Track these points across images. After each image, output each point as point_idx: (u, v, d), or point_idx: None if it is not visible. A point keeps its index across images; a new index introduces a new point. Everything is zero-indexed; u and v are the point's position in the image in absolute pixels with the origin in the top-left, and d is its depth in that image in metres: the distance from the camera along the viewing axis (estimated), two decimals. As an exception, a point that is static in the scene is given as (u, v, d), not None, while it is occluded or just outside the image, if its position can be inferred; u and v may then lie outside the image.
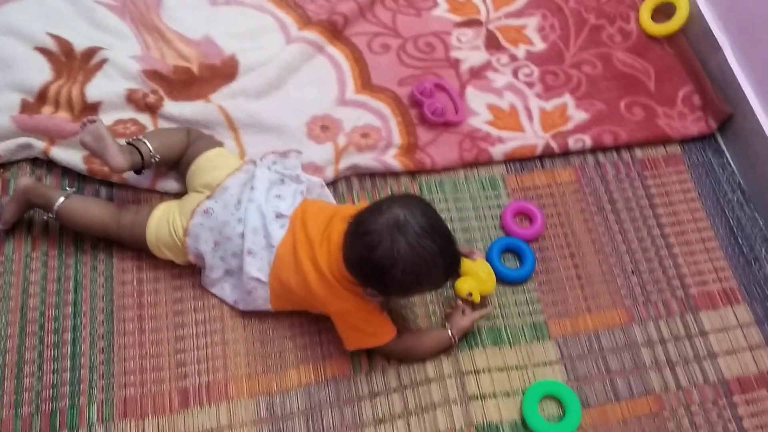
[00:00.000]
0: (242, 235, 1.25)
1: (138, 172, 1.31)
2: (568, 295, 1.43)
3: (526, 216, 1.51)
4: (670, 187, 1.60)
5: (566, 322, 1.40)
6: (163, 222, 1.28)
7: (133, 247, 1.34)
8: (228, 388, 1.26)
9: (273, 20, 1.69)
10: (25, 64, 1.49)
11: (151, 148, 1.29)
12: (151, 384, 1.25)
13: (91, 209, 1.29)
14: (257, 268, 1.24)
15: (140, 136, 1.31)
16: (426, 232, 1.09)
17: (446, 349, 1.33)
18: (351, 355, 1.31)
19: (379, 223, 1.09)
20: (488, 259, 1.41)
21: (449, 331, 1.31)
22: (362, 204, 1.28)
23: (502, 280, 1.41)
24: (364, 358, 1.31)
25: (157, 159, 1.30)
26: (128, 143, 1.29)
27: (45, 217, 1.33)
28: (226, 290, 1.32)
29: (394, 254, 1.07)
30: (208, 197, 1.26)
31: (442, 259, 1.11)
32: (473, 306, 1.33)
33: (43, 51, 1.52)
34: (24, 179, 1.29)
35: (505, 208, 1.50)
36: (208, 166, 1.32)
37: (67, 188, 1.33)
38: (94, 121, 1.25)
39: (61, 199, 1.27)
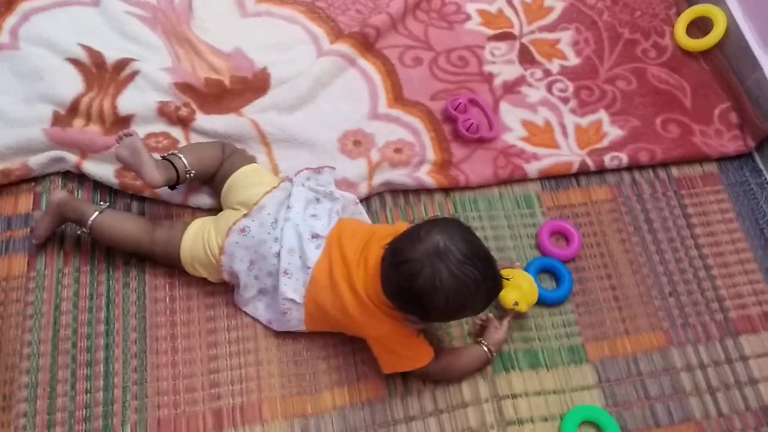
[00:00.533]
0: (278, 255, 1.23)
1: (172, 187, 1.30)
2: (605, 316, 1.41)
3: (562, 235, 1.49)
4: (708, 207, 1.57)
5: (604, 345, 1.38)
6: (198, 239, 1.26)
7: (166, 263, 1.32)
8: (262, 410, 1.24)
9: (304, 32, 1.67)
10: (56, 76, 1.48)
11: (186, 163, 1.27)
12: (184, 405, 1.23)
13: (124, 224, 1.27)
14: (292, 288, 1.22)
15: (175, 151, 1.29)
16: (467, 258, 1.07)
17: (484, 366, 1.31)
18: (386, 378, 1.29)
19: (418, 251, 1.07)
20: None
21: (484, 347, 1.28)
22: (399, 225, 1.26)
23: (538, 301, 1.38)
24: (399, 380, 1.29)
25: (192, 174, 1.28)
26: (163, 158, 1.28)
27: (78, 232, 1.31)
28: (259, 309, 1.30)
29: (435, 283, 1.05)
30: (245, 215, 1.24)
31: (485, 284, 1.09)
32: (505, 316, 1.32)
33: (75, 62, 1.51)
34: (58, 193, 1.27)
35: (540, 227, 1.48)
36: (243, 183, 1.30)
37: (101, 203, 1.32)
38: (130, 135, 1.25)
39: (96, 213, 1.25)
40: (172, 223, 1.31)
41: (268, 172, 1.39)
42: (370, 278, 1.17)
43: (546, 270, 1.44)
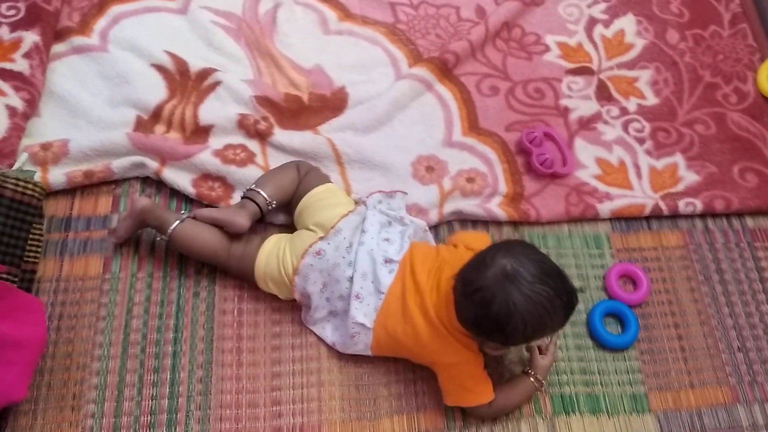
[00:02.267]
0: (351, 279, 1.23)
1: (259, 221, 1.33)
2: (670, 367, 1.38)
3: (630, 279, 1.47)
4: (782, 261, 1.54)
5: (667, 396, 1.35)
6: (272, 257, 1.27)
7: (239, 277, 1.33)
8: (322, 432, 1.24)
9: (384, 54, 1.68)
10: (142, 81, 1.51)
11: (266, 196, 1.30)
12: (246, 420, 1.24)
13: (203, 236, 1.29)
14: (363, 313, 1.23)
15: (253, 186, 1.32)
16: (537, 277, 1.07)
17: (533, 396, 1.30)
18: (446, 411, 1.28)
19: (487, 278, 1.07)
20: (590, 322, 1.39)
21: (531, 378, 1.26)
22: (468, 249, 1.25)
23: (603, 345, 1.37)
24: (458, 414, 1.28)
25: (273, 206, 1.31)
26: (243, 197, 1.31)
27: (158, 239, 1.33)
28: (327, 331, 1.30)
29: (510, 307, 1.05)
30: (321, 238, 1.25)
31: (559, 299, 1.08)
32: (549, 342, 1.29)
33: (160, 68, 1.54)
34: (142, 200, 1.29)
35: (609, 269, 1.46)
36: (319, 205, 1.31)
37: (182, 212, 1.34)
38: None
39: (176, 222, 1.27)
40: (248, 237, 1.32)
41: (342, 192, 1.40)
42: (443, 305, 1.17)
43: (612, 314, 1.42)
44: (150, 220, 1.29)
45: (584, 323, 1.40)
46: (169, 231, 1.27)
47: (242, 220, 1.26)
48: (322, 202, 1.32)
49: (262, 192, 1.30)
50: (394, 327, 1.21)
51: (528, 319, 1.06)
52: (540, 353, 1.27)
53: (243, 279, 1.33)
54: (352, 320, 1.23)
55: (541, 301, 1.06)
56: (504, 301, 1.05)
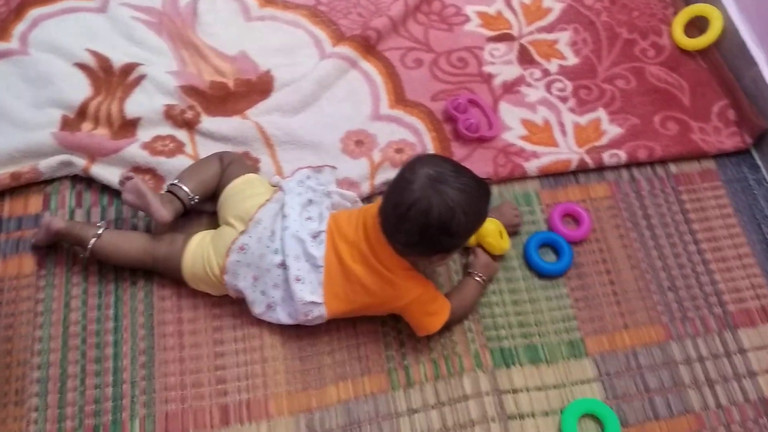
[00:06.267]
0: (281, 265, 1.24)
1: (183, 215, 1.33)
2: (604, 311, 1.43)
3: (573, 218, 1.53)
4: (706, 203, 1.59)
5: (603, 339, 1.40)
6: (197, 259, 1.28)
7: (172, 278, 1.34)
8: (268, 406, 1.26)
9: (307, 36, 1.70)
10: (65, 80, 1.51)
11: (188, 190, 1.31)
12: (191, 400, 1.25)
13: (124, 246, 1.29)
14: (309, 291, 1.24)
15: (176, 181, 1.33)
16: (458, 173, 1.13)
17: (482, 292, 1.38)
18: (389, 371, 1.31)
19: (416, 190, 1.11)
20: (525, 251, 1.47)
21: (476, 277, 1.35)
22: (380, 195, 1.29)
23: (540, 274, 1.44)
24: (402, 373, 1.31)
25: (196, 200, 1.32)
26: (167, 191, 1.32)
27: (80, 255, 1.34)
28: (280, 316, 1.29)
29: (450, 204, 1.10)
30: (242, 233, 1.26)
31: (482, 185, 1.16)
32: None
33: (83, 67, 1.54)
34: (57, 222, 1.28)
35: (553, 209, 1.52)
36: (237, 197, 1.32)
37: (98, 223, 1.32)
38: (130, 179, 1.29)
39: (93, 240, 1.27)
40: (172, 237, 1.32)
41: (261, 181, 1.38)
42: (379, 247, 1.20)
43: (548, 244, 1.49)
44: (66, 240, 1.31)
45: (520, 268, 1.46)
46: (89, 247, 1.27)
47: (164, 211, 1.26)
48: (240, 195, 1.32)
49: (184, 187, 1.31)
50: (344, 291, 1.24)
51: (467, 210, 1.12)
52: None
53: (177, 280, 1.34)
54: (301, 302, 1.23)
55: (470, 191, 1.12)
56: (442, 201, 1.10)
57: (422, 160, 1.16)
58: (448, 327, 1.33)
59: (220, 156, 1.39)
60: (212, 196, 1.37)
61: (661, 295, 1.46)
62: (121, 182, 1.31)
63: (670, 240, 1.53)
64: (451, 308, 1.29)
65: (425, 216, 1.10)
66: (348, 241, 1.23)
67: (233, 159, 1.39)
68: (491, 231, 1.38)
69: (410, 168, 1.15)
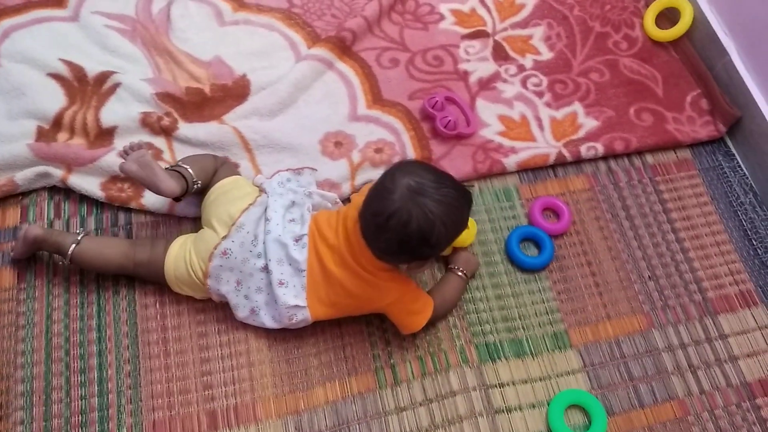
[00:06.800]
0: (263, 269, 1.24)
1: (177, 199, 1.30)
2: (587, 302, 1.44)
3: (553, 212, 1.54)
4: (683, 192, 1.61)
5: (587, 330, 1.41)
6: (180, 262, 1.27)
7: (154, 282, 1.33)
8: (256, 410, 1.26)
9: (282, 39, 1.70)
10: (38, 91, 1.50)
11: (193, 173, 1.29)
12: (179, 407, 1.25)
13: (104, 252, 1.28)
14: (293, 295, 1.23)
15: (180, 162, 1.31)
16: (438, 183, 1.13)
17: (465, 288, 1.40)
18: (376, 370, 1.32)
19: (396, 200, 1.11)
20: (507, 245, 1.48)
21: (458, 272, 1.37)
22: (359, 195, 1.27)
23: (522, 269, 1.46)
24: (389, 372, 1.32)
25: (198, 185, 1.30)
26: (171, 169, 1.29)
27: (60, 263, 1.33)
28: (264, 320, 1.29)
29: (430, 217, 1.10)
30: (224, 237, 1.25)
31: (463, 196, 1.16)
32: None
33: (56, 77, 1.53)
34: (35, 229, 1.26)
35: (533, 202, 1.53)
36: (222, 199, 1.31)
37: (77, 230, 1.31)
38: (140, 147, 1.25)
39: (73, 246, 1.26)
40: (153, 242, 1.31)
41: (248, 183, 1.38)
42: (358, 251, 1.20)
43: (529, 239, 1.50)
44: (45, 247, 1.29)
45: (502, 263, 1.47)
46: (68, 254, 1.26)
47: (172, 183, 1.22)
48: (226, 195, 1.31)
49: (189, 168, 1.29)
50: (327, 294, 1.24)
51: (446, 221, 1.12)
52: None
53: (159, 284, 1.33)
54: (285, 306, 1.23)
55: (450, 201, 1.12)
56: (422, 213, 1.10)
57: (403, 169, 1.15)
58: (432, 324, 1.34)
59: (214, 156, 1.40)
60: (203, 190, 1.35)
61: (642, 285, 1.47)
62: (125, 151, 1.25)
63: (649, 230, 1.55)
64: (434, 305, 1.30)
65: (404, 227, 1.10)
66: (328, 244, 1.23)
67: (224, 161, 1.41)
68: None
69: (391, 177, 1.14)
